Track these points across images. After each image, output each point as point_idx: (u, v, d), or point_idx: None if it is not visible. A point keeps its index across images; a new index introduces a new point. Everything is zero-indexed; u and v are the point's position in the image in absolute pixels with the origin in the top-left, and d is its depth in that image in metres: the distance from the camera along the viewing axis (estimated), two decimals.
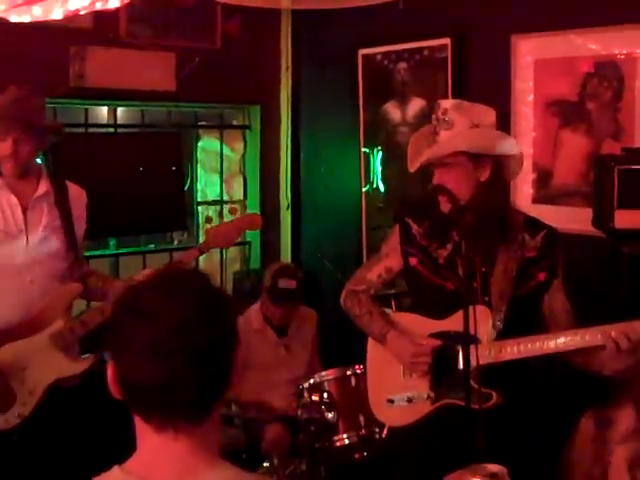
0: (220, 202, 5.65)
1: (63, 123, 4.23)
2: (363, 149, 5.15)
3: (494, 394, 2.74)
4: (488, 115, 2.88)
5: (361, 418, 3.69)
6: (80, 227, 3.37)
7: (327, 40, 5.29)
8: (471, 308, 2.51)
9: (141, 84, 4.76)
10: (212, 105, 5.54)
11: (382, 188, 5.09)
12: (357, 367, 3.74)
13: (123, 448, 1.57)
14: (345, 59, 5.14)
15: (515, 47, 4.21)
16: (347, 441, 3.71)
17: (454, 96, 4.36)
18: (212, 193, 5.70)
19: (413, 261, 2.97)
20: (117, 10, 3.46)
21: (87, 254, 4.08)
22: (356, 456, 3.76)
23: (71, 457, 3.20)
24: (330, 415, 3.64)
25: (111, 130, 5.23)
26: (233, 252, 5.69)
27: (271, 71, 5.56)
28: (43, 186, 3.27)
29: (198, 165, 5.65)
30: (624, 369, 2.63)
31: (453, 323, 2.77)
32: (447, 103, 2.90)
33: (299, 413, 3.69)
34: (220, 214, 5.53)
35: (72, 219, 3.31)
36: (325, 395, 3.69)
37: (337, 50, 5.22)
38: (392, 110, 4.96)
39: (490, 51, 4.35)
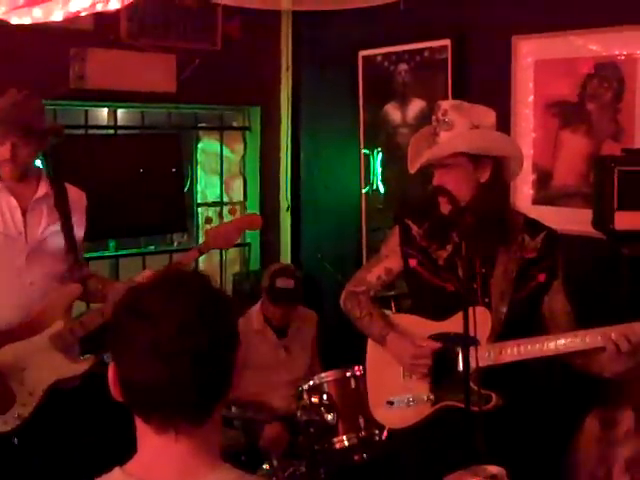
0: (220, 203, 5.65)
1: (63, 125, 4.23)
2: (363, 150, 5.15)
3: (494, 396, 2.74)
4: (488, 116, 2.88)
5: (361, 420, 3.69)
6: (80, 229, 3.37)
7: (327, 41, 5.30)
8: (471, 309, 2.51)
9: (141, 85, 4.76)
10: (212, 106, 5.55)
11: (382, 189, 5.08)
12: (357, 369, 3.74)
13: (124, 450, 1.57)
14: (345, 60, 5.14)
15: (515, 48, 4.21)
16: (347, 443, 3.70)
17: (454, 97, 4.36)
18: (212, 194, 5.70)
19: (413, 262, 2.97)
20: (117, 12, 3.46)
21: (87, 256, 4.08)
22: (356, 458, 3.76)
23: (72, 459, 3.20)
24: (330, 417, 3.64)
25: (111, 132, 5.24)
26: (233, 253, 5.69)
27: (271, 72, 5.57)
28: (42, 188, 3.27)
29: (198, 166, 5.65)
30: (624, 371, 2.63)
31: (453, 325, 2.76)
32: (447, 104, 2.90)
33: (299, 415, 3.69)
34: (220, 215, 5.53)
35: (72, 221, 3.31)
36: (325, 397, 3.69)
37: (337, 51, 5.22)
38: (392, 111, 4.96)
39: (490, 52, 4.34)
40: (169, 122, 5.38)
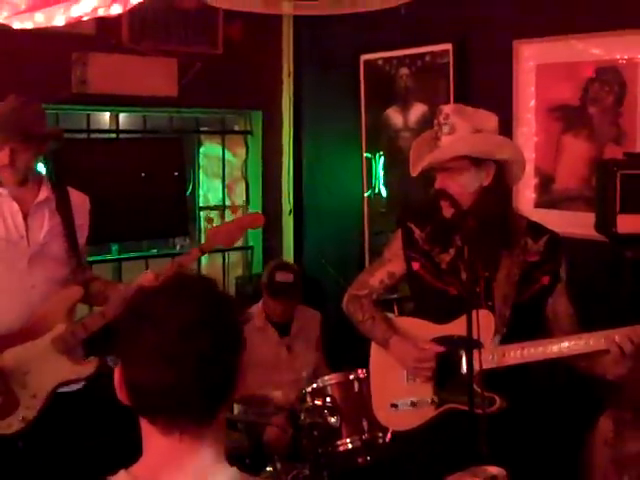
0: (222, 207, 5.66)
1: (63, 129, 4.25)
2: (365, 154, 5.15)
3: (497, 399, 2.74)
4: (490, 120, 2.89)
5: (364, 423, 3.69)
6: (83, 233, 3.37)
7: (329, 45, 5.31)
8: (474, 313, 2.51)
9: (143, 90, 4.77)
10: (214, 110, 5.55)
11: (384, 193, 5.09)
12: (360, 371, 3.74)
13: (129, 452, 1.57)
14: (347, 64, 5.14)
15: (517, 52, 4.21)
16: (350, 446, 3.70)
17: (456, 101, 4.36)
18: (214, 198, 5.70)
19: (416, 266, 2.98)
20: (119, 16, 3.46)
21: (90, 259, 4.09)
22: (359, 461, 3.75)
23: (77, 462, 3.20)
24: (333, 420, 3.63)
25: (113, 136, 5.24)
26: (235, 257, 5.70)
27: (273, 76, 5.57)
28: (44, 192, 3.27)
29: (200, 170, 5.66)
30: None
31: (456, 328, 2.77)
32: (449, 108, 2.90)
33: (302, 417, 3.69)
34: (222, 218, 5.54)
35: (74, 225, 3.31)
36: (328, 399, 3.68)
37: (339, 55, 5.23)
38: (394, 115, 4.96)
39: (492, 56, 4.35)
40: (171, 126, 5.39)
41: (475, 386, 2.60)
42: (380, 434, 3.66)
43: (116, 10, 2.74)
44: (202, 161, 5.68)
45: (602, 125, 3.94)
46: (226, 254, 5.57)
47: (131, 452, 1.55)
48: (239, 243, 5.42)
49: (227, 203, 5.70)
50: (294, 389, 3.98)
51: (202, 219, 5.61)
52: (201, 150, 5.67)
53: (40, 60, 4.42)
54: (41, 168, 3.50)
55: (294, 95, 5.59)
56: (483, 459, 2.16)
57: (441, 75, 4.61)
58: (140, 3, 2.72)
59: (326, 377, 3.84)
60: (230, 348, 1.49)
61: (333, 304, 3.58)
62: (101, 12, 2.74)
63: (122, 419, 1.85)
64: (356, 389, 3.75)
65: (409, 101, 4.86)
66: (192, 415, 1.46)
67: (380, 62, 4.99)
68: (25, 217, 3.22)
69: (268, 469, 3.72)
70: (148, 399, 1.46)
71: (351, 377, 3.78)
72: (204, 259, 5.44)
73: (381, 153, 5.07)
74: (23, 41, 3.86)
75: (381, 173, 5.08)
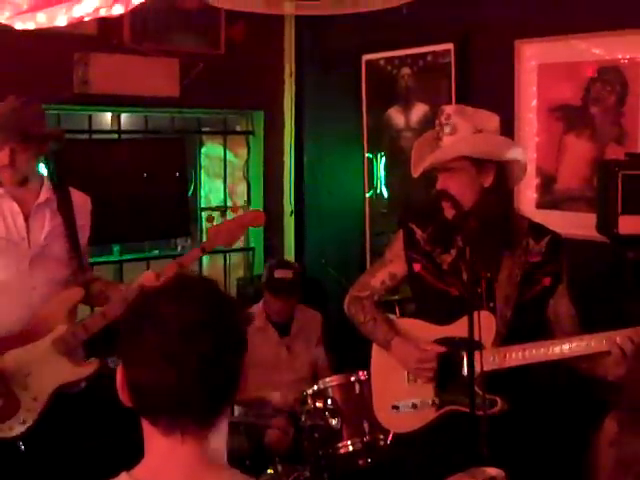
0: (224, 208, 5.66)
1: (64, 129, 4.25)
2: (367, 154, 5.15)
3: (499, 400, 2.74)
4: (491, 120, 2.88)
5: (365, 424, 3.68)
6: (84, 233, 3.37)
7: (331, 45, 5.30)
8: (475, 314, 2.51)
9: (145, 90, 4.77)
10: (215, 111, 5.55)
11: (386, 193, 5.08)
12: (361, 373, 3.73)
13: (130, 454, 1.57)
14: (348, 64, 5.14)
15: (518, 52, 4.21)
16: (351, 448, 3.69)
17: (457, 101, 4.36)
18: (216, 199, 5.70)
19: (417, 267, 2.97)
20: (121, 17, 3.46)
21: (91, 260, 4.08)
22: (360, 463, 3.74)
23: (78, 464, 3.19)
24: (334, 422, 3.63)
25: (115, 136, 5.24)
26: (237, 258, 5.70)
27: (274, 76, 5.57)
28: (45, 193, 3.27)
29: (202, 171, 5.66)
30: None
31: (458, 329, 2.76)
32: (450, 108, 2.90)
33: (303, 419, 3.68)
34: (223, 219, 5.53)
35: (75, 226, 3.30)
36: (329, 401, 3.68)
37: (340, 55, 5.22)
38: (395, 115, 4.96)
39: (493, 56, 4.34)
40: (172, 126, 5.39)
41: (476, 388, 2.59)
42: (381, 436, 3.66)
43: (118, 10, 2.74)
44: (204, 161, 5.68)
45: (604, 125, 3.94)
46: (227, 255, 5.57)
47: (133, 453, 1.54)
48: (240, 244, 5.43)
49: (229, 204, 5.69)
50: (293, 390, 3.98)
51: (204, 220, 5.60)
52: (203, 150, 5.67)
53: (42, 60, 4.42)
54: (42, 169, 3.49)
55: (296, 95, 5.59)
56: (484, 461, 2.15)
57: (443, 75, 4.60)
58: (142, 3, 2.72)
59: (327, 379, 3.84)
60: (232, 349, 1.49)
61: (334, 305, 3.58)
62: (103, 12, 2.74)
63: (124, 420, 1.85)
64: (357, 391, 3.75)
65: (411, 101, 4.86)
66: (193, 416, 1.46)
67: (382, 62, 4.99)
68: (26, 218, 3.21)
69: (269, 471, 3.72)
70: (149, 400, 1.45)
71: (352, 379, 3.78)
72: (205, 260, 5.44)
73: (382, 153, 5.07)
74: (25, 41, 3.85)
75: (382, 173, 5.08)
